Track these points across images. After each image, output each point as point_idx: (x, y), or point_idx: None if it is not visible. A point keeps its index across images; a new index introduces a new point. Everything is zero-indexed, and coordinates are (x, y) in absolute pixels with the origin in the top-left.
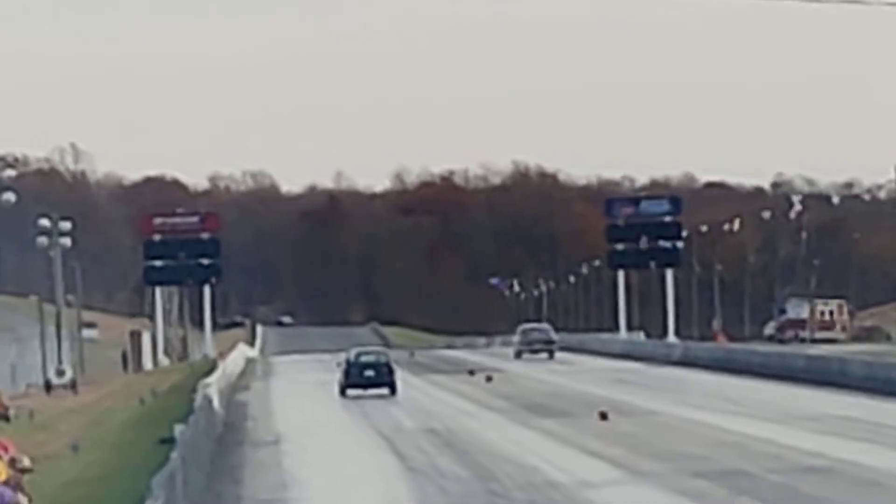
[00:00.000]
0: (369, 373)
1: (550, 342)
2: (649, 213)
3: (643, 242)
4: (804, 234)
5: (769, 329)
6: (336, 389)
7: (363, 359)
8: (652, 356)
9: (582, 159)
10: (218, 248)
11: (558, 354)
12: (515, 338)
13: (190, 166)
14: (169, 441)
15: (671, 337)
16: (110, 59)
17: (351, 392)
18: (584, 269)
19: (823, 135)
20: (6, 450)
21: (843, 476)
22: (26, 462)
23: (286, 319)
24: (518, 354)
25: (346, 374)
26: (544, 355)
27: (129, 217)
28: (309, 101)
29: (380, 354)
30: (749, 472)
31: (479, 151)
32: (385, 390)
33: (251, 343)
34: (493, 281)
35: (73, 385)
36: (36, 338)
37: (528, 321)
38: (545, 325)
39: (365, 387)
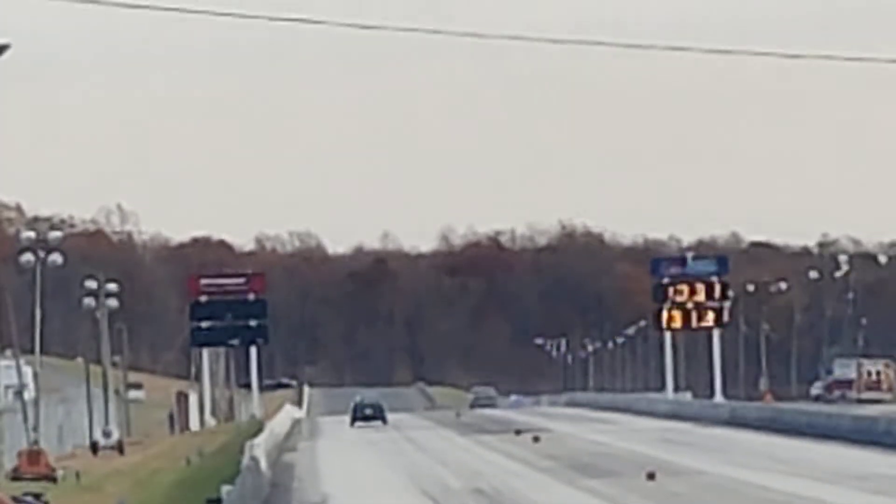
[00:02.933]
0: (368, 411)
1: (492, 398)
2: (695, 273)
3: (689, 303)
4: (851, 294)
5: (816, 389)
6: (349, 424)
7: (364, 402)
8: (699, 416)
9: (628, 220)
10: (264, 310)
11: (605, 415)
12: (470, 396)
13: (236, 227)
14: (216, 502)
15: (718, 397)
16: (155, 121)
17: (358, 424)
18: (631, 330)
19: (869, 195)
20: None
21: None
22: None
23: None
24: (472, 406)
25: (354, 412)
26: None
27: (175, 278)
28: (355, 162)
29: (375, 400)
30: None
31: (525, 212)
32: (379, 423)
33: (298, 404)
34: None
35: (119, 446)
36: (82, 399)
37: (479, 384)
38: (490, 388)
39: (365, 419)
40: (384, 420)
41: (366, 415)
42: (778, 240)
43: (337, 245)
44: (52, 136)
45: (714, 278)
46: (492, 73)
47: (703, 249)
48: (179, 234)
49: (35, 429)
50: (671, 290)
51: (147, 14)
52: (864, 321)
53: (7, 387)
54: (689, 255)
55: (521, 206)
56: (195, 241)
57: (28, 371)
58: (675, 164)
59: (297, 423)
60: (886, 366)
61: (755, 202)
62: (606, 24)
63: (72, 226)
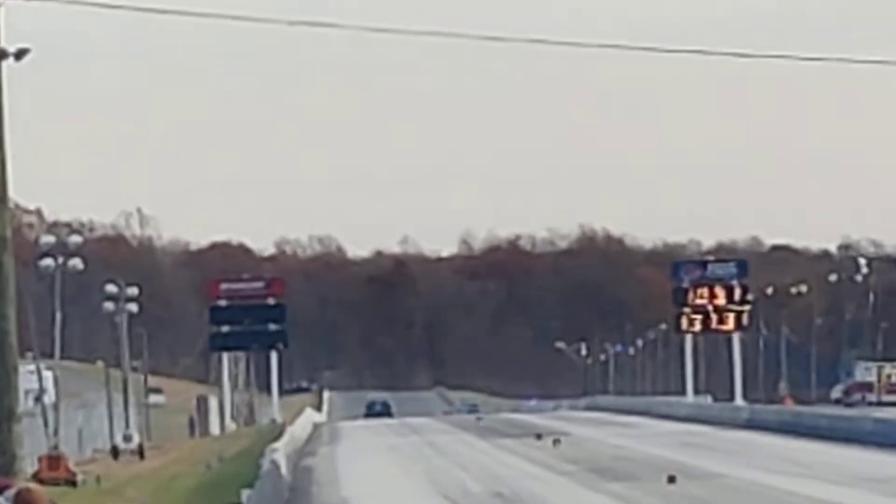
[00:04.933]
0: (378, 408)
1: (476, 406)
2: (716, 276)
3: (709, 306)
4: (871, 297)
5: (836, 392)
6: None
7: (375, 401)
8: (719, 419)
9: (648, 223)
10: (284, 314)
11: (626, 418)
12: (458, 404)
13: (256, 231)
14: None
15: (738, 400)
16: (175, 125)
17: (370, 418)
18: (651, 334)
19: (889, 197)
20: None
21: None
22: None
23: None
24: (469, 412)
25: (367, 409)
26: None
27: (194, 282)
28: (374, 166)
29: (384, 400)
30: None
31: (545, 215)
32: (388, 419)
33: (318, 408)
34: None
35: (139, 450)
36: (102, 403)
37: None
38: (475, 402)
39: (376, 415)
40: (391, 415)
41: (376, 411)
42: (798, 243)
43: (356, 249)
44: (72, 140)
45: (734, 282)
46: (511, 77)
47: (723, 253)
48: (199, 238)
49: (55, 433)
50: (691, 293)
51: (163, 18)
52: (884, 324)
53: (27, 391)
54: (710, 258)
55: (541, 210)
56: (215, 245)
57: (48, 376)
58: (695, 168)
59: (317, 427)
60: None
61: (775, 205)
62: (626, 28)
63: (91, 230)
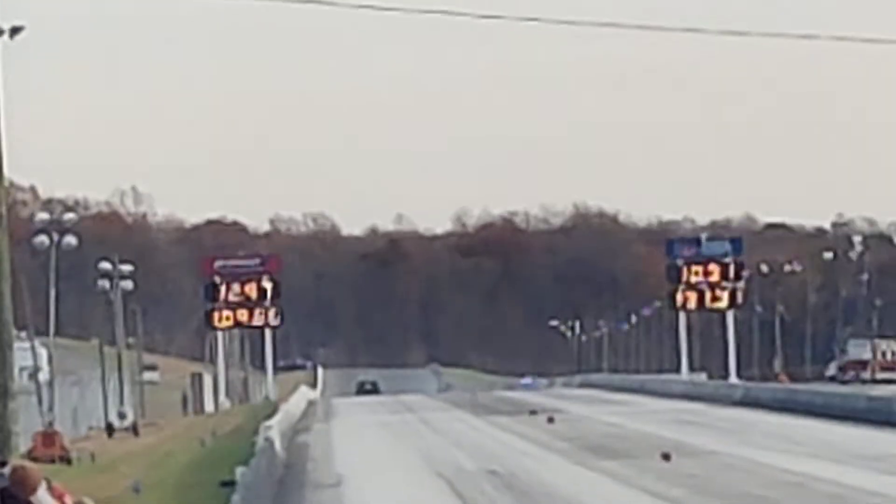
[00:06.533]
0: (368, 387)
1: (449, 385)
2: (710, 254)
3: (703, 284)
4: (865, 275)
5: (831, 369)
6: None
7: (365, 380)
8: (713, 397)
9: (642, 201)
10: (279, 291)
11: (620, 396)
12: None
13: (250, 209)
14: (230, 484)
15: (733, 378)
16: (169, 103)
17: (361, 396)
18: (646, 311)
19: (884, 175)
20: (61, 498)
21: None
22: None
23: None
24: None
25: (358, 387)
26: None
27: (189, 260)
28: (369, 144)
29: (373, 379)
30: None
31: (539, 193)
32: (375, 396)
33: (312, 385)
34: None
35: (134, 427)
36: (97, 381)
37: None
38: (449, 381)
39: (366, 392)
40: (379, 392)
41: (366, 389)
42: (792, 221)
43: (351, 227)
44: (67, 117)
45: (728, 259)
46: (505, 55)
47: (717, 230)
48: (194, 215)
49: (50, 410)
50: (686, 270)
51: None
52: (878, 301)
53: (22, 369)
54: (704, 236)
55: (535, 188)
56: (209, 222)
57: (43, 353)
58: (690, 145)
59: (311, 404)
60: None
61: (770, 183)
62: (621, 7)
63: (86, 207)
